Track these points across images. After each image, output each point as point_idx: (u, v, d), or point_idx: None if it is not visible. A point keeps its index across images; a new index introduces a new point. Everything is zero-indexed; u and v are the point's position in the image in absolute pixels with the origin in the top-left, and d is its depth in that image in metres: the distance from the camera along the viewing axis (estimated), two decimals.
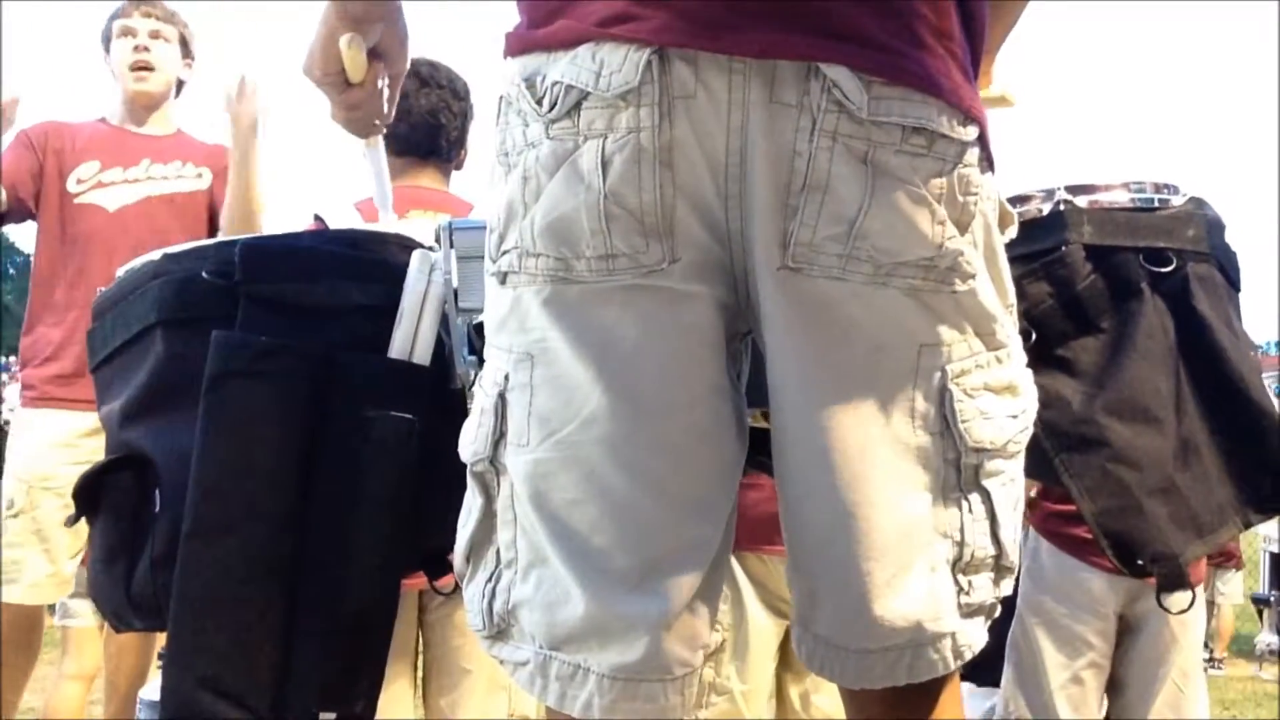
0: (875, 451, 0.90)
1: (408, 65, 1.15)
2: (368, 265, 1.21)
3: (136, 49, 2.73)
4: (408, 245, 1.22)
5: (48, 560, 2.55)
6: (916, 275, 0.88)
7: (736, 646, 2.08)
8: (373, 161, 1.21)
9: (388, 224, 1.29)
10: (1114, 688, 2.42)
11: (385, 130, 1.14)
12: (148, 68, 2.74)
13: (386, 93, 1.12)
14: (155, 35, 2.76)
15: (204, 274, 1.16)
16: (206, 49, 2.95)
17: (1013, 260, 1.27)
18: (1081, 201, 1.32)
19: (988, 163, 0.92)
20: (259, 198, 2.60)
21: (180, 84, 2.87)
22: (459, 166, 2.30)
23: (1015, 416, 0.95)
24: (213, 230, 2.76)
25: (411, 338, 1.18)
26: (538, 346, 0.91)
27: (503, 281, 0.93)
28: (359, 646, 1.15)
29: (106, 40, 2.79)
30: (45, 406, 2.59)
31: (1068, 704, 2.34)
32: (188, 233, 2.70)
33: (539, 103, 0.87)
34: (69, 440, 2.56)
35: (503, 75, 0.92)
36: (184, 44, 2.84)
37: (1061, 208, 1.31)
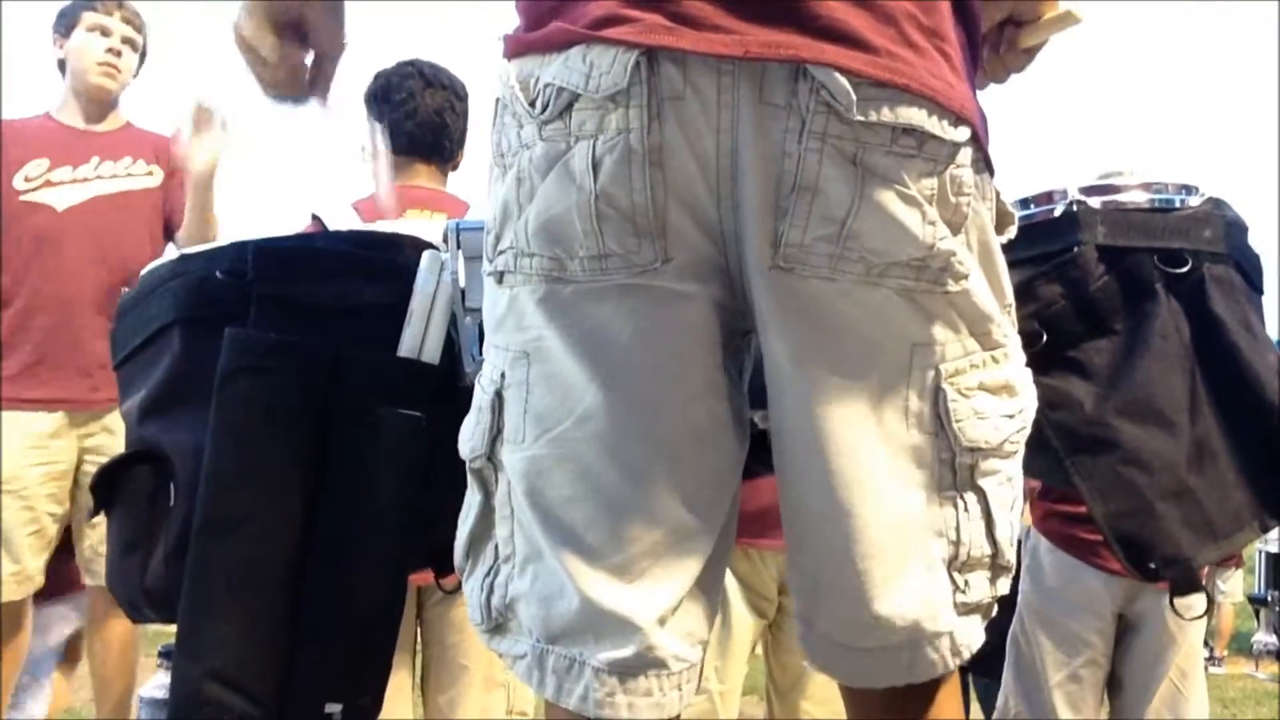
0: (869, 451, 0.90)
1: (342, 47, 1.12)
2: (378, 265, 1.23)
3: (111, 50, 2.73)
4: (419, 246, 1.23)
5: (10, 559, 2.56)
6: (908, 275, 0.88)
7: (719, 646, 2.08)
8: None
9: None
10: (1113, 687, 2.41)
11: (320, 102, 1.13)
12: (116, 69, 2.74)
13: (311, 71, 1.10)
14: (128, 41, 2.77)
15: (218, 274, 1.19)
16: (162, 42, 2.95)
17: (1025, 261, 1.28)
18: (1095, 202, 1.31)
19: (984, 163, 0.91)
20: (216, 227, 2.64)
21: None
22: (455, 167, 2.32)
23: (1012, 416, 0.95)
24: (167, 230, 2.77)
25: (420, 337, 1.19)
26: (533, 345, 0.92)
27: (499, 281, 0.95)
28: (366, 641, 1.17)
29: (68, 28, 2.76)
30: (4, 408, 2.59)
31: (1066, 702, 2.33)
32: (140, 233, 2.72)
33: (532, 105, 0.88)
34: (34, 443, 2.58)
35: (499, 78, 0.93)
36: (143, 52, 2.86)
37: (1074, 208, 1.30)
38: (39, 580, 2.65)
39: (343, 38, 1.11)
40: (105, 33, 2.74)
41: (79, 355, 2.60)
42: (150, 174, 2.77)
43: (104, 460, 2.55)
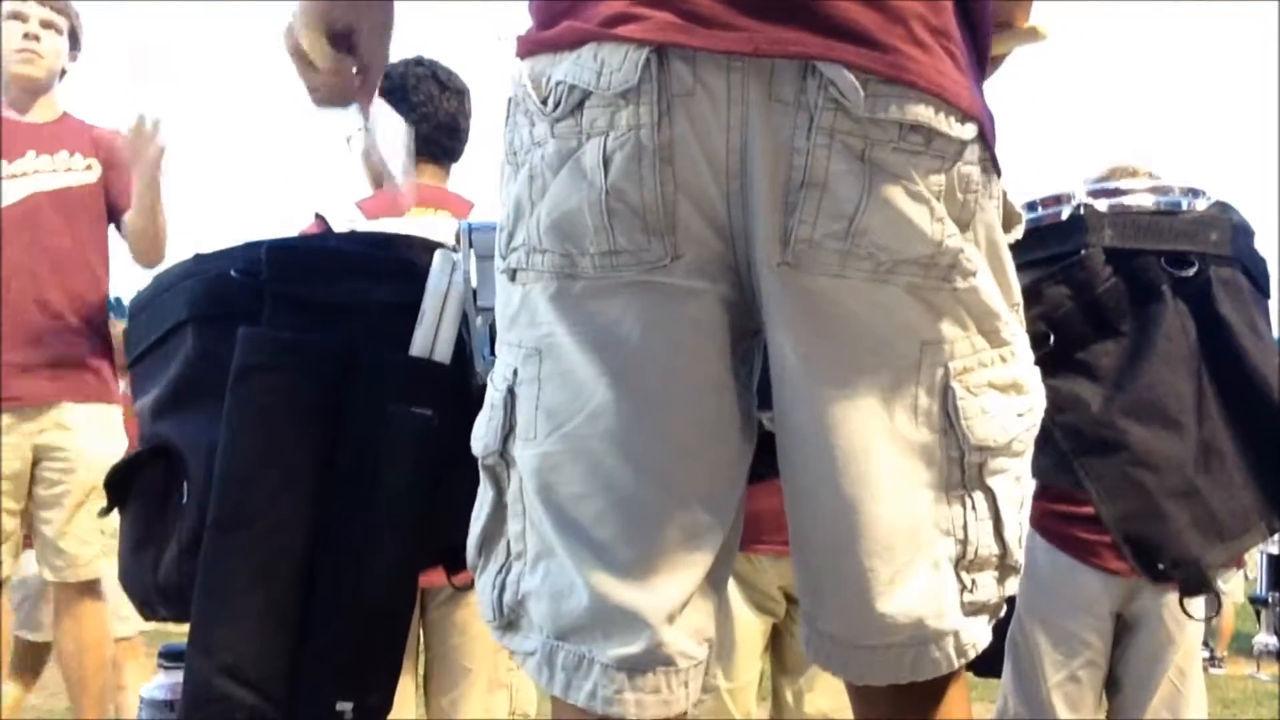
0: (877, 449, 0.91)
1: (386, 58, 1.15)
2: (391, 265, 1.24)
3: (27, 35, 2.69)
4: (430, 246, 1.24)
5: None
6: (917, 272, 0.89)
7: (722, 644, 2.09)
8: (374, 140, 1.23)
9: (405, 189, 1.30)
10: (1111, 686, 2.42)
11: (361, 111, 1.16)
12: (36, 54, 2.70)
13: (357, 80, 1.13)
14: (47, 24, 2.72)
15: (232, 273, 1.20)
16: (174, 43, 2.90)
17: (1033, 264, 1.28)
18: (1102, 205, 1.32)
19: (990, 162, 0.92)
20: (165, 233, 2.64)
21: (63, 72, 2.83)
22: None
23: (1021, 415, 0.96)
24: (112, 222, 2.76)
25: (432, 336, 1.20)
26: (545, 342, 0.93)
27: (512, 278, 0.95)
28: (376, 639, 1.17)
29: None
30: None
31: (1064, 703, 2.34)
32: (81, 229, 2.71)
33: (544, 103, 0.89)
34: None
35: (511, 77, 0.94)
36: (73, 35, 2.81)
37: (1081, 211, 1.31)
38: (2, 572, 2.66)
39: (388, 50, 1.14)
40: (21, 19, 2.70)
41: (24, 353, 2.60)
42: (89, 168, 2.74)
43: (61, 457, 2.63)
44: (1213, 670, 6.15)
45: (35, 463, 2.66)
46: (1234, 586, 6.52)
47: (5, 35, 2.71)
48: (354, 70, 1.12)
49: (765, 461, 1.00)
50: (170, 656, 1.34)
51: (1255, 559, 6.86)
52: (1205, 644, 6.08)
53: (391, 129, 1.25)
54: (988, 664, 2.37)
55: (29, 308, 2.63)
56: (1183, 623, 2.30)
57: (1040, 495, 2.32)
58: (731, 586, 2.09)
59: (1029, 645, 2.38)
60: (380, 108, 1.19)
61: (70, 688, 2.72)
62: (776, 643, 2.20)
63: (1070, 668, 2.35)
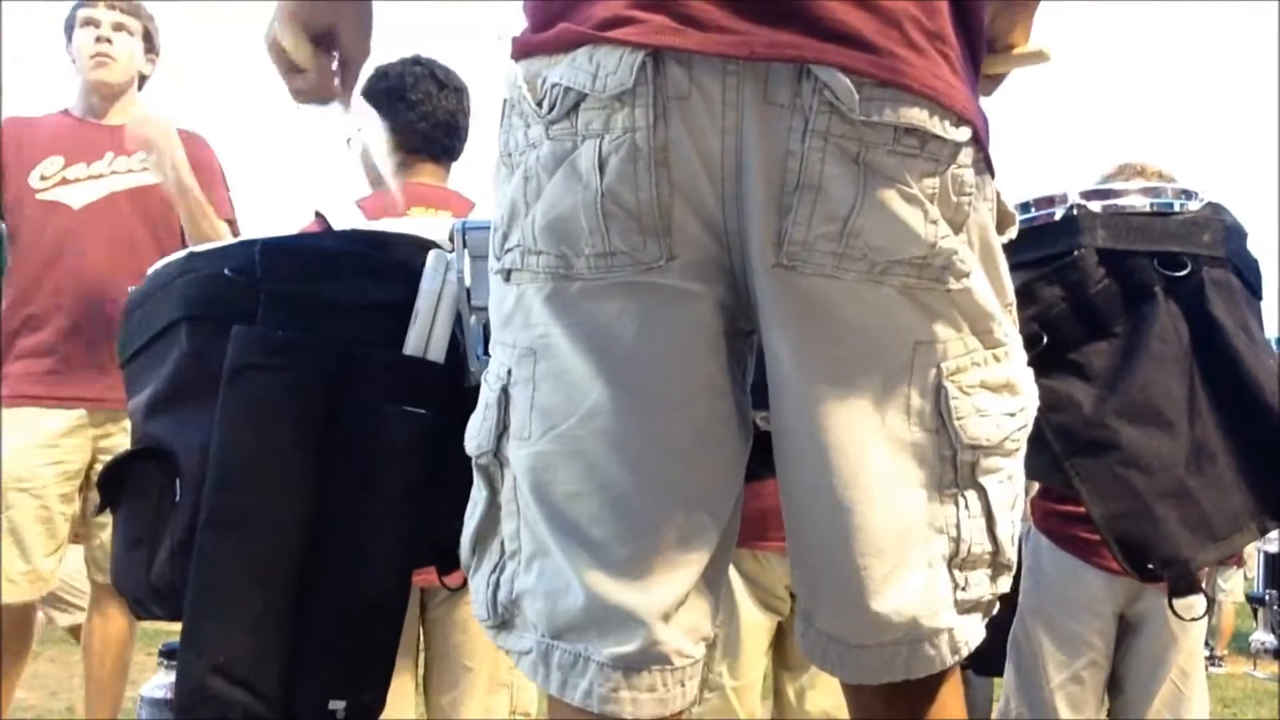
0: (871, 448, 0.91)
1: (368, 53, 1.15)
2: (385, 264, 1.24)
3: (98, 40, 2.70)
4: (425, 245, 1.24)
5: (22, 559, 2.54)
6: (910, 273, 0.89)
7: (728, 643, 2.10)
8: (365, 151, 1.23)
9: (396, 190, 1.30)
10: (1114, 687, 2.42)
11: (342, 106, 1.16)
12: (108, 57, 2.72)
13: (338, 78, 1.13)
14: (119, 27, 2.73)
15: (226, 272, 1.20)
16: (173, 43, 2.93)
17: (1026, 264, 1.29)
18: (1095, 206, 1.32)
19: (984, 163, 0.93)
20: (213, 221, 2.60)
21: (143, 78, 2.84)
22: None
23: (1013, 415, 0.96)
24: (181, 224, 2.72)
25: (426, 335, 1.20)
26: (540, 342, 0.93)
27: (506, 279, 0.96)
28: (369, 638, 1.18)
29: (69, 30, 2.76)
30: (22, 405, 2.59)
31: (1067, 703, 2.34)
32: (156, 228, 2.70)
33: (539, 104, 0.89)
34: (49, 440, 2.57)
35: (506, 79, 0.94)
36: (147, 38, 2.82)
37: (1074, 212, 1.31)
38: (52, 581, 2.65)
39: (369, 45, 1.13)
40: (94, 24, 2.72)
41: (97, 354, 2.58)
42: None
43: None
44: (1213, 669, 6.17)
45: (91, 465, 2.64)
46: (1234, 585, 6.53)
47: (81, 42, 2.72)
48: (334, 68, 1.12)
49: (762, 461, 1.00)
50: (171, 655, 1.34)
51: (1253, 558, 6.89)
52: (1205, 643, 6.10)
53: (375, 130, 1.25)
54: (989, 663, 2.38)
55: (105, 308, 2.59)
56: (1185, 624, 2.30)
57: (1043, 495, 2.34)
58: (739, 585, 2.09)
59: (1032, 645, 2.38)
60: (360, 106, 1.18)
61: (88, 684, 2.73)
62: (779, 641, 2.21)
63: (1073, 668, 2.35)
